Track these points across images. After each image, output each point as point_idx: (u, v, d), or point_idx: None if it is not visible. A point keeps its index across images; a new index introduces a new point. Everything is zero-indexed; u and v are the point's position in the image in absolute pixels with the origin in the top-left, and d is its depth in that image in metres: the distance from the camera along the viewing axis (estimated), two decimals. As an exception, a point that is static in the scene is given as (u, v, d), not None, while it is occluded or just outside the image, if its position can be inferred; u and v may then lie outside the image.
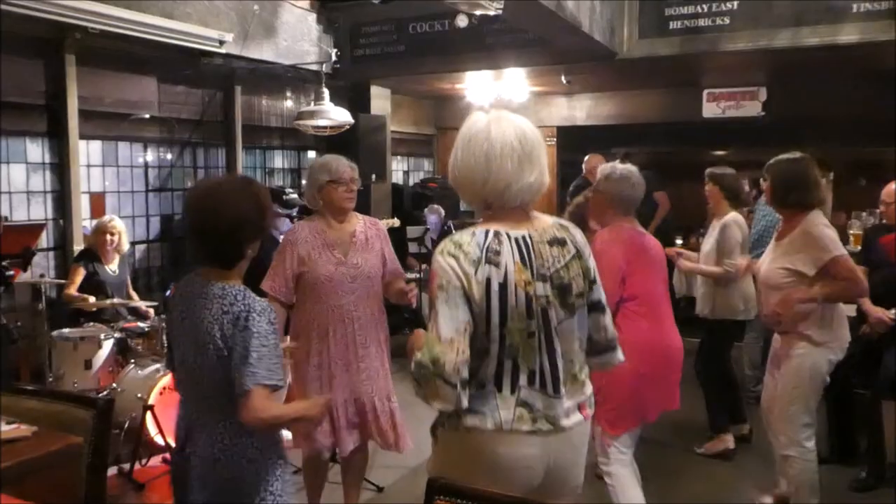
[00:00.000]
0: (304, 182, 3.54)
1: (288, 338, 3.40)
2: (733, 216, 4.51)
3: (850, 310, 4.41)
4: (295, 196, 4.85)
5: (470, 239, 1.92)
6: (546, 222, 2.05)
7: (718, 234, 4.50)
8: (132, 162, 6.24)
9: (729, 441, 4.64)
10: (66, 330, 4.73)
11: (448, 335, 1.84)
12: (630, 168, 3.35)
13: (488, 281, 1.88)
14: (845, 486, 4.11)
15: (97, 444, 2.31)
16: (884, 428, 4.18)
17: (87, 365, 4.60)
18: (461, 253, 1.89)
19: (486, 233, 1.93)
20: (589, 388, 2.11)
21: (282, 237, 4.62)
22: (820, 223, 3.41)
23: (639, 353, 2.86)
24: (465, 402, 1.88)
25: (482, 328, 1.90)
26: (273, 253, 4.47)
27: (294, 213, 5.58)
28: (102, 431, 2.33)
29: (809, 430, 3.50)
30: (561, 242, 2.02)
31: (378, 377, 3.36)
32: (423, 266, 7.51)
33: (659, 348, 3.18)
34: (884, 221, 4.61)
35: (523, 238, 1.96)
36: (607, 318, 2.15)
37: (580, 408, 2.05)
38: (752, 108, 8.88)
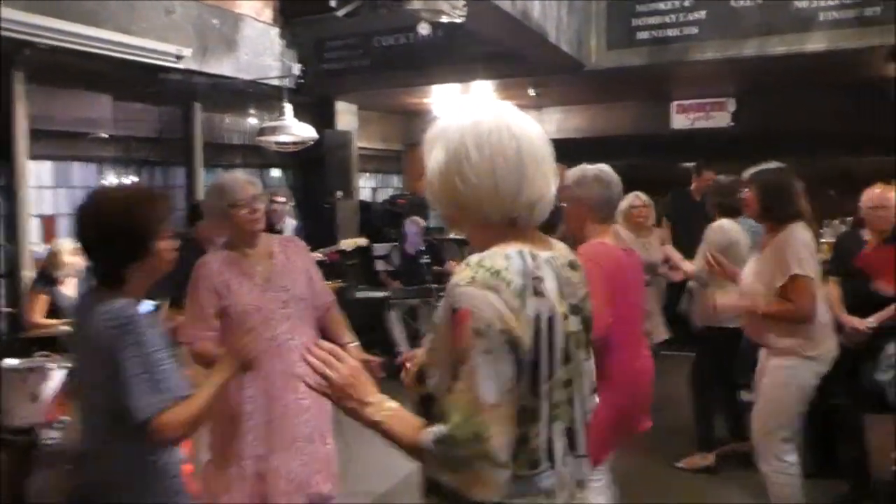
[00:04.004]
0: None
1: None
2: (719, 222, 4.43)
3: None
4: None
5: (506, 263, 1.42)
6: (557, 242, 1.61)
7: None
8: (87, 183, 6.04)
9: (710, 459, 4.55)
10: (13, 360, 4.49)
11: (493, 398, 1.35)
12: (601, 168, 3.06)
13: (537, 318, 1.40)
14: (828, 501, 3.98)
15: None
16: (866, 442, 4.07)
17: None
18: (501, 282, 1.39)
19: (521, 254, 1.44)
20: None
21: None
22: (798, 238, 3.34)
23: (617, 386, 2.72)
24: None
25: (528, 382, 1.41)
26: None
27: None
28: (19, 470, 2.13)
29: (790, 444, 3.46)
30: (575, 266, 1.59)
31: (317, 416, 2.96)
32: (396, 284, 7.35)
33: (635, 377, 3.00)
34: (860, 229, 4.47)
35: (552, 260, 1.50)
36: None
37: None
38: (722, 119, 8.94)
